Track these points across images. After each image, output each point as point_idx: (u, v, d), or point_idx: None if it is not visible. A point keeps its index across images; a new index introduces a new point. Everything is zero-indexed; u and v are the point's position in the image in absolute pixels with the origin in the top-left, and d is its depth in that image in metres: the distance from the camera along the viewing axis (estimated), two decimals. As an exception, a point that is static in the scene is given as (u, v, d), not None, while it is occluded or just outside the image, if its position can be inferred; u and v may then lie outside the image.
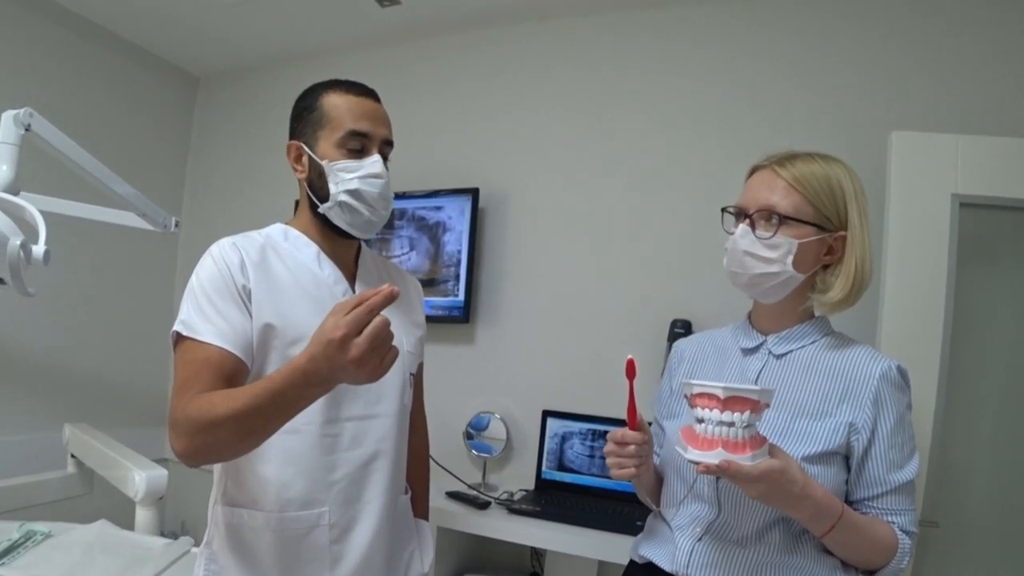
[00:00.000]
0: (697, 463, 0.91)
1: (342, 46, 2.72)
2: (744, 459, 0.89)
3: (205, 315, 1.05)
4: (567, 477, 2.11)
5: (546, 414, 2.16)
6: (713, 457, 0.90)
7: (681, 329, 1.99)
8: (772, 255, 1.08)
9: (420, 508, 1.40)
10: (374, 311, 0.84)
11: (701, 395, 0.92)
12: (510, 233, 2.39)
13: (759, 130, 2.06)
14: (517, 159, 2.41)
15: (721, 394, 0.89)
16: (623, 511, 1.90)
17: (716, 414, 0.90)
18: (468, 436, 2.27)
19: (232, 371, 1.03)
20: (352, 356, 0.82)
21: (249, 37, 2.72)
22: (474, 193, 2.33)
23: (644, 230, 2.19)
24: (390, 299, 0.84)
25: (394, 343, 1.22)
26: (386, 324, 0.85)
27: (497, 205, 2.40)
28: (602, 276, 2.24)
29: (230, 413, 0.90)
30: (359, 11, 2.43)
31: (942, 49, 1.89)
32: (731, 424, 0.90)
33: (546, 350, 2.28)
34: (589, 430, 2.10)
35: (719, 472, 0.89)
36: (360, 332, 0.83)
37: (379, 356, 0.85)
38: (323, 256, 1.20)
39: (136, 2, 2.46)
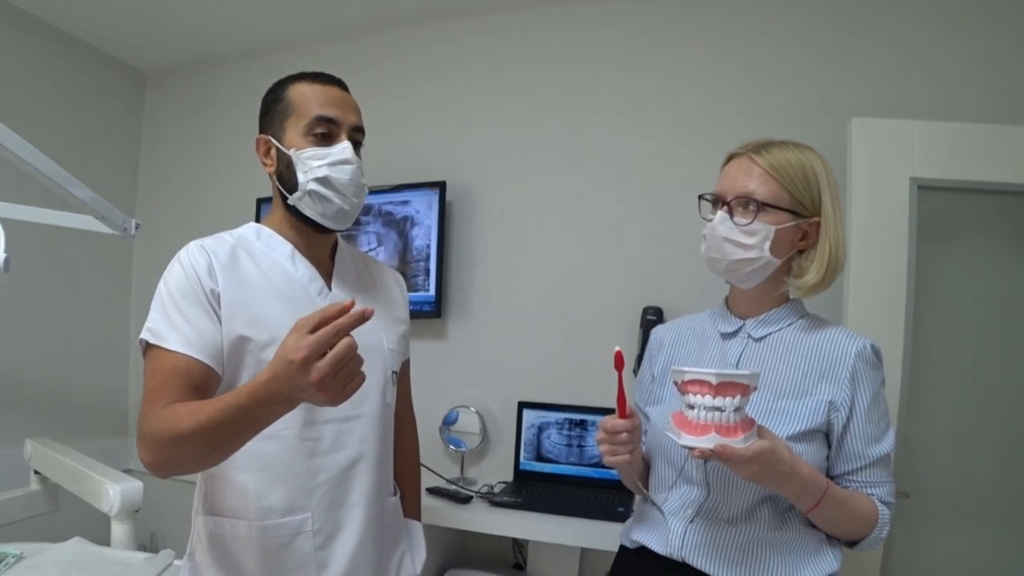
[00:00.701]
0: (692, 448, 0.93)
1: (301, 40, 2.65)
2: (737, 442, 0.91)
3: (172, 322, 1.03)
4: (545, 467, 2.12)
5: (522, 405, 2.17)
6: (707, 442, 0.92)
7: (653, 316, 2.01)
8: (750, 241, 1.10)
9: (411, 508, 1.38)
10: (341, 333, 0.80)
11: (692, 381, 0.94)
12: (479, 226, 2.38)
13: (723, 120, 2.09)
14: (484, 151, 2.40)
15: (714, 380, 0.91)
16: (603, 498, 1.92)
17: (708, 400, 0.92)
18: (442, 431, 2.26)
19: (201, 379, 1.01)
20: (313, 379, 0.79)
21: (201, 31, 2.62)
22: (441, 186, 2.31)
23: (613, 219, 2.21)
24: (360, 321, 0.82)
25: (374, 340, 1.21)
26: (352, 348, 0.81)
27: (465, 198, 2.39)
28: (572, 266, 2.25)
29: (194, 428, 0.88)
30: (317, 3, 2.38)
31: (899, 37, 1.94)
32: (722, 409, 0.92)
33: (519, 342, 2.29)
34: (565, 419, 2.11)
35: (713, 456, 0.92)
36: (323, 355, 0.80)
37: (342, 381, 0.82)
38: (297, 254, 1.18)
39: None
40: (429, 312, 2.31)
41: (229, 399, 0.88)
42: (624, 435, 1.07)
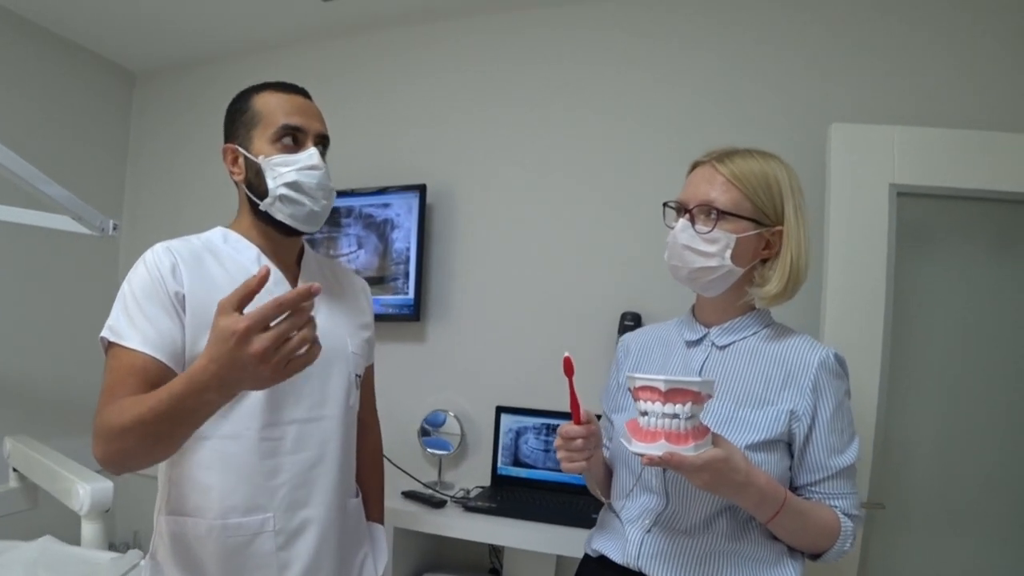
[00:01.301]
0: (641, 455, 0.92)
1: (285, 41, 2.65)
2: (687, 450, 0.90)
3: (133, 321, 1.04)
4: (523, 472, 2.11)
5: (499, 410, 2.16)
6: (656, 449, 0.90)
7: (631, 322, 2.00)
8: (711, 249, 1.09)
9: (374, 511, 1.39)
10: (283, 307, 0.79)
11: (643, 388, 0.93)
12: (459, 229, 2.37)
13: (703, 126, 2.08)
14: (464, 154, 2.39)
15: (662, 387, 0.90)
16: (580, 504, 1.90)
17: (659, 407, 0.91)
18: (424, 433, 2.25)
19: (158, 378, 1.01)
20: (254, 350, 0.78)
21: (188, 31, 2.63)
22: (421, 190, 2.31)
23: (593, 224, 2.20)
24: (306, 296, 0.80)
25: (338, 344, 1.22)
26: (295, 325, 0.81)
27: (445, 201, 2.38)
28: (552, 270, 2.24)
29: (136, 419, 0.89)
30: (300, 5, 2.38)
31: (879, 42, 1.93)
32: (673, 416, 0.91)
33: (497, 346, 2.28)
34: (543, 424, 2.10)
35: (662, 463, 0.90)
36: (265, 328, 0.79)
37: (286, 355, 0.81)
38: (264, 257, 1.19)
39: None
40: (408, 315, 2.30)
41: (167, 389, 0.87)
42: (579, 442, 1.07)
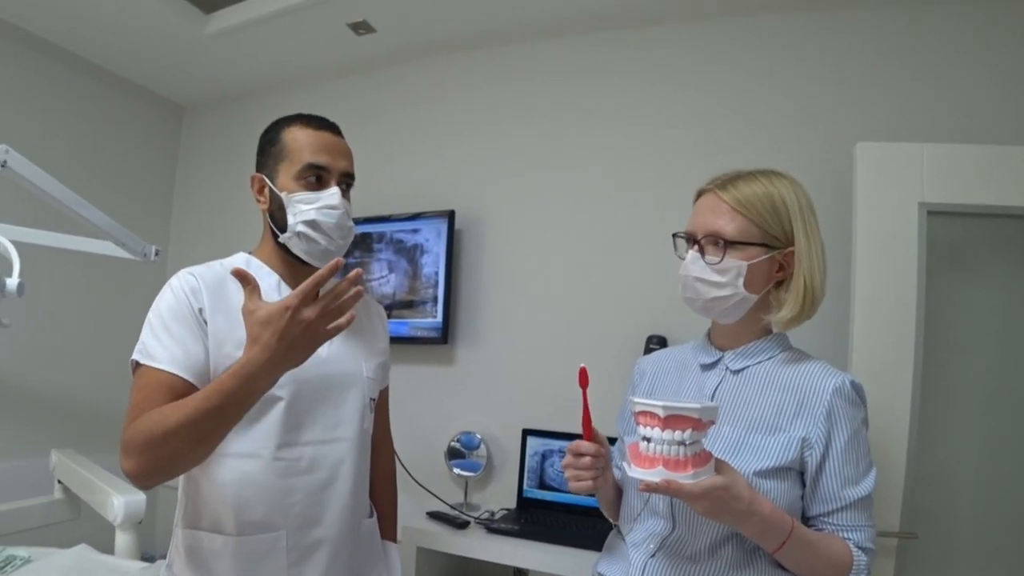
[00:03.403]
0: (640, 481, 0.91)
1: (320, 74, 2.75)
2: (685, 477, 0.89)
3: (161, 342, 1.08)
4: (548, 495, 2.10)
5: (526, 432, 2.16)
6: (654, 475, 0.89)
7: (656, 345, 1.98)
8: (723, 279, 1.08)
9: (388, 530, 1.40)
10: (320, 283, 0.91)
11: (643, 413, 0.92)
12: (487, 254, 2.40)
13: (731, 145, 2.07)
14: (492, 181, 2.43)
15: (661, 412, 0.89)
16: (604, 528, 1.87)
17: (658, 432, 0.90)
18: (454, 455, 2.26)
19: (184, 396, 1.03)
20: (307, 316, 0.90)
21: (230, 67, 2.77)
22: (450, 215, 2.35)
23: (619, 247, 2.20)
24: (334, 270, 0.91)
25: (354, 368, 1.24)
26: (335, 296, 0.92)
27: (473, 227, 2.42)
28: (578, 294, 2.24)
29: (183, 419, 0.93)
30: (335, 40, 2.48)
31: (905, 59, 1.90)
32: (674, 442, 0.89)
33: (524, 369, 2.29)
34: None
35: (659, 490, 0.89)
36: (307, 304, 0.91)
37: (328, 320, 0.92)
38: (284, 285, 1.22)
39: (118, 36, 2.51)
40: (436, 338, 2.33)
41: (213, 387, 0.94)
42: (587, 459, 1.06)
